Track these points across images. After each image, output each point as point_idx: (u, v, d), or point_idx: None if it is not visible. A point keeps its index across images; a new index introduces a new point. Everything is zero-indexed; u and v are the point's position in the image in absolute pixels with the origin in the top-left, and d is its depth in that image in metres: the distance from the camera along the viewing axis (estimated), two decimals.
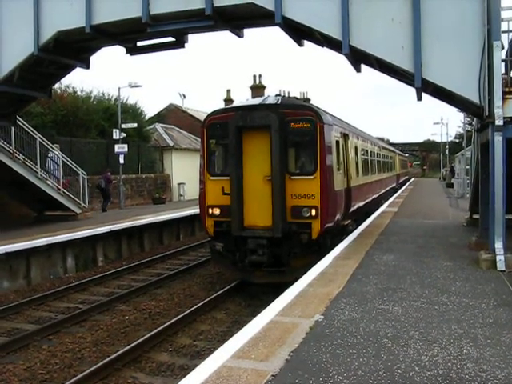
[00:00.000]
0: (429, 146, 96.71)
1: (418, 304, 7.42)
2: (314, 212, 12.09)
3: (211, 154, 13.46)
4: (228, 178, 12.51)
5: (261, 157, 12.37)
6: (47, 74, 16.19)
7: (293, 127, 12.29)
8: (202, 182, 13.39)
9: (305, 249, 12.22)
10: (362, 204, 18.02)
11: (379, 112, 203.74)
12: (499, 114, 9.75)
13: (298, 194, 12.21)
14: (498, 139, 9.83)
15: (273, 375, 4.93)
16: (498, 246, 9.84)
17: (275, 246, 12.28)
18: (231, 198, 12.40)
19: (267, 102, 13.05)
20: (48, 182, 19.55)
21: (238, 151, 12.42)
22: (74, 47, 14.82)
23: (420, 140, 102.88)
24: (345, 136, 15.24)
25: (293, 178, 12.28)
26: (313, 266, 10.19)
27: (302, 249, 12.23)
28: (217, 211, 12.89)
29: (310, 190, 12.16)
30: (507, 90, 10.12)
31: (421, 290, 8.19)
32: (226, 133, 12.53)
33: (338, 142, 13.91)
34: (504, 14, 10.19)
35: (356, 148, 17.69)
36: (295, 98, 14.64)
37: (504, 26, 10.25)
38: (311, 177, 12.24)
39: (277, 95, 13.79)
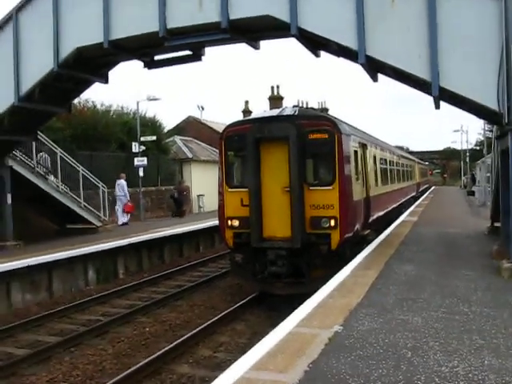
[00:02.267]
0: (449, 154, 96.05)
1: (438, 314, 7.36)
2: (333, 222, 12.05)
3: (229, 165, 13.54)
4: (246, 189, 12.54)
5: (279, 168, 12.37)
6: (66, 90, 16.40)
7: (311, 138, 12.28)
8: (220, 193, 13.42)
9: (324, 259, 12.16)
10: (381, 213, 17.95)
11: (398, 120, 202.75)
12: None
13: (316, 205, 12.18)
14: None
15: None
16: None
17: (294, 257, 12.25)
18: (250, 210, 12.41)
19: (285, 114, 13.07)
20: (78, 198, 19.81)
21: (256, 163, 12.45)
22: (93, 63, 14.99)
23: (440, 148, 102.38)
24: (363, 146, 15.22)
25: (311, 188, 12.27)
26: (332, 276, 10.15)
27: (322, 259, 12.17)
28: (236, 223, 12.89)
29: (329, 200, 12.13)
30: None
31: (441, 300, 8.12)
32: (244, 145, 12.58)
33: (356, 152, 13.90)
34: None
35: (374, 157, 17.63)
36: (312, 108, 14.65)
37: None
38: (330, 187, 12.22)
39: (294, 106, 13.82)
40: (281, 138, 12.23)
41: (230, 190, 13.17)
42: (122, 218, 24.66)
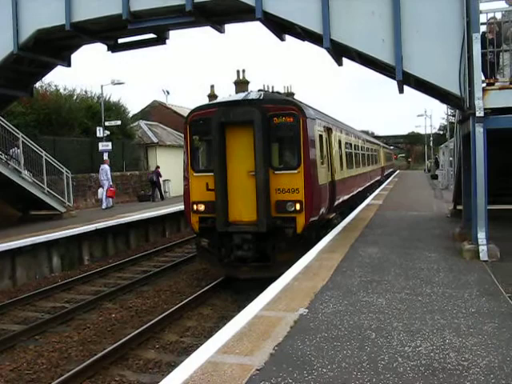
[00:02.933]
0: (413, 139, 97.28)
1: (401, 295, 7.49)
2: (298, 206, 12.13)
3: (195, 150, 13.46)
4: (212, 173, 12.51)
5: (244, 152, 12.37)
6: (28, 73, 16.09)
7: (276, 122, 12.31)
8: (186, 178, 13.35)
9: (290, 243, 12.22)
10: (346, 197, 18.11)
11: (364, 105, 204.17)
12: (479, 105, 9.83)
13: (282, 189, 12.24)
14: (479, 130, 9.90)
15: (257, 369, 4.96)
16: (481, 236, 9.95)
17: (260, 241, 12.30)
18: (215, 194, 12.39)
19: (250, 98, 13.03)
20: (40, 183, 19.46)
21: (222, 147, 12.42)
22: (55, 45, 14.73)
23: (404, 132, 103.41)
24: (328, 130, 15.30)
25: (277, 172, 12.31)
26: (298, 260, 10.23)
27: (287, 243, 12.24)
28: (201, 207, 12.87)
29: (294, 184, 12.20)
30: (487, 81, 10.22)
31: (405, 282, 8.26)
32: (209, 129, 12.49)
33: (321, 136, 13.95)
34: (482, 6, 10.27)
35: (340, 141, 17.74)
36: (278, 92, 14.63)
37: (483, 18, 10.35)
38: (295, 171, 12.27)
39: (259, 90, 13.84)
40: (246, 122, 12.19)
41: (195, 174, 13.12)
42: (106, 203, 25.35)
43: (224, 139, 12.47)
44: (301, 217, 12.17)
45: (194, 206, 12.99)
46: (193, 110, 13.43)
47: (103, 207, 25.19)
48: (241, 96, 13.67)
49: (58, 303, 12.66)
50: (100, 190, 25.91)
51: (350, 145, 21.06)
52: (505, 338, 5.67)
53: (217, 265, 13.26)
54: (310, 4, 11.14)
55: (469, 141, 10.51)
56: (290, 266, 9.68)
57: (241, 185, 12.44)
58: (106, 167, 25.63)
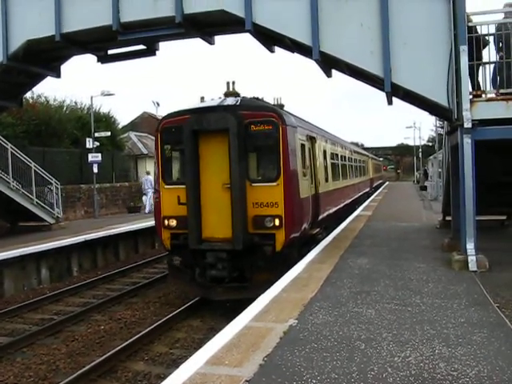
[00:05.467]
0: (402, 150, 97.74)
1: (391, 306, 7.50)
2: (277, 222, 11.27)
3: (166, 160, 12.57)
4: (184, 186, 11.65)
5: (219, 163, 11.53)
6: (17, 84, 16.03)
7: (253, 130, 11.50)
8: (156, 191, 12.62)
9: (269, 262, 11.35)
10: (332, 211, 17.31)
11: (353, 117, 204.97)
12: (467, 116, 9.91)
13: (260, 203, 11.39)
14: (467, 142, 9.97)
15: (246, 380, 4.93)
16: (470, 246, 9.99)
17: (236, 260, 11.44)
18: (188, 208, 11.54)
19: (225, 104, 12.23)
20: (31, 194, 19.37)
21: (194, 157, 11.62)
22: (44, 56, 14.69)
23: (394, 144, 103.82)
24: (311, 139, 14.50)
25: (254, 185, 11.48)
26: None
27: (266, 262, 11.36)
28: (173, 223, 11.97)
29: (273, 197, 11.35)
30: (474, 93, 10.32)
31: (394, 293, 8.27)
32: (181, 137, 11.69)
33: (303, 146, 13.14)
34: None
35: (325, 152, 16.91)
36: (257, 98, 13.68)
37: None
38: (274, 183, 11.42)
39: (236, 96, 13.12)
40: (220, 130, 11.35)
41: (166, 186, 12.24)
42: (150, 208, 27.98)
43: (197, 148, 11.66)
44: (280, 233, 11.29)
45: (166, 221, 12.08)
46: (164, 117, 12.71)
47: (146, 211, 28.41)
48: (216, 102, 12.70)
49: (47, 315, 12.54)
50: (144, 198, 29.73)
51: (336, 155, 20.27)
52: (494, 347, 5.69)
53: (190, 285, 12.42)
54: (299, 16, 11.19)
55: (457, 152, 10.57)
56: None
57: (215, 198, 11.58)
58: (149, 178, 28.58)
